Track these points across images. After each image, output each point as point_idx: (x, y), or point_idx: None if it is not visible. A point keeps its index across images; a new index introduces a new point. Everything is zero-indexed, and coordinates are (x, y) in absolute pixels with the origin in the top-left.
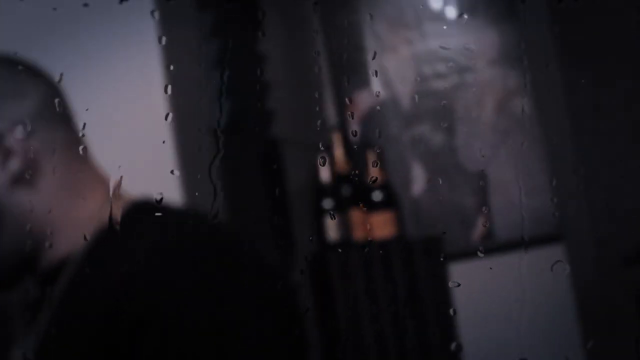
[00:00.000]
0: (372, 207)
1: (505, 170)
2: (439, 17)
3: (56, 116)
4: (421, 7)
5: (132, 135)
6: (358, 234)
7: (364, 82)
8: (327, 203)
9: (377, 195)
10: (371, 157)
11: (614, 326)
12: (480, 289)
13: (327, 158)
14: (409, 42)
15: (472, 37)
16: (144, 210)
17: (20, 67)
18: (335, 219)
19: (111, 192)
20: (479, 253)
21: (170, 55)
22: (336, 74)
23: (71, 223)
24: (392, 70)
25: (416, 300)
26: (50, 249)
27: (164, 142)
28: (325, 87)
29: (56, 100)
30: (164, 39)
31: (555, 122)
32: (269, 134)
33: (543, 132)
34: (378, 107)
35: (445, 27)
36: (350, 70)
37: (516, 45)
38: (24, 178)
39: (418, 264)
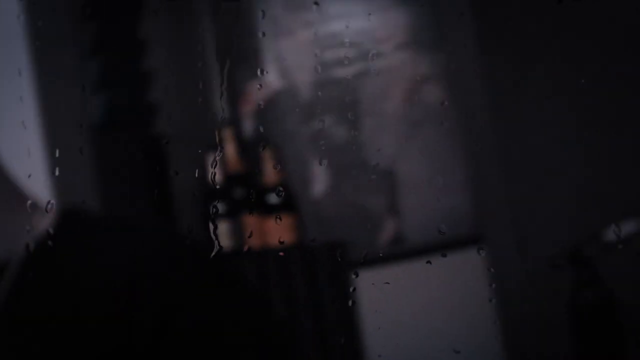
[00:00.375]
0: (267, 210)
1: (417, 167)
2: None
3: None
4: None
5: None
6: (252, 240)
7: (257, 71)
8: (217, 207)
9: (273, 198)
10: (266, 156)
11: (539, 336)
12: (389, 297)
13: (216, 157)
14: (307, 25)
15: (378, 18)
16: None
17: None
18: (225, 224)
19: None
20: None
21: (38, 40)
22: (225, 62)
23: None
24: (289, 57)
25: (317, 315)
26: None
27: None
28: (213, 77)
29: None
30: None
31: (472, 113)
32: (151, 130)
33: (459, 123)
34: (270, 99)
35: (348, 7)
36: (240, 57)
37: (428, 28)
38: None
39: (319, 273)
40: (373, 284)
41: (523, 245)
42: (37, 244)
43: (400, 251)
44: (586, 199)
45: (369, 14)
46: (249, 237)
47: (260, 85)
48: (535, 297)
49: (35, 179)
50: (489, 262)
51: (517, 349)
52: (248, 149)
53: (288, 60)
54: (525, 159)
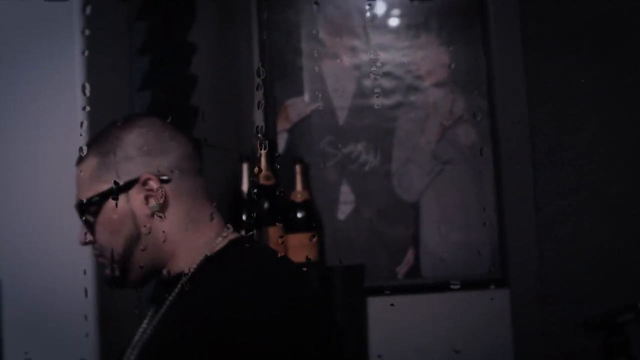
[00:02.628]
0: (291, 225)
1: (442, 203)
2: (388, 28)
3: (190, 168)
4: (369, 14)
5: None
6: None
7: (298, 90)
8: (244, 216)
9: (297, 214)
10: (296, 172)
11: None
12: (401, 326)
13: (248, 167)
14: (352, 51)
15: (422, 53)
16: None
17: (169, 127)
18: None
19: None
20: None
21: (89, 39)
22: (268, 77)
23: (187, 249)
24: (330, 80)
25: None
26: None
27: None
28: (254, 89)
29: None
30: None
31: (514, 158)
32: (190, 132)
33: (490, 166)
34: (306, 118)
35: (393, 39)
36: (283, 73)
37: (470, 70)
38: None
39: (335, 293)
40: (392, 304)
41: (544, 299)
42: None
43: (417, 283)
44: (614, 266)
45: (413, 49)
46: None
47: (299, 103)
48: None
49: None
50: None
51: None
52: (280, 163)
53: (328, 83)
54: (556, 219)
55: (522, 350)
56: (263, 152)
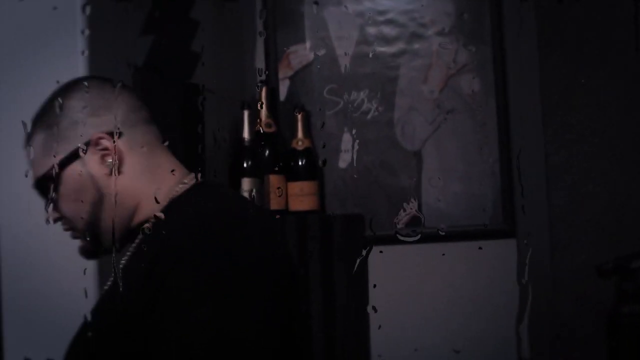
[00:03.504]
0: (292, 174)
1: (445, 152)
2: None
3: (139, 119)
4: None
5: None
6: (274, 201)
7: (300, 37)
8: (245, 163)
9: (299, 162)
10: (298, 120)
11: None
12: (405, 276)
13: (250, 114)
14: None
15: (426, 1)
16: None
17: (108, 85)
18: (250, 181)
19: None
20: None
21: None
22: (270, 24)
23: (149, 199)
24: (333, 27)
25: (330, 278)
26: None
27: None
28: (256, 36)
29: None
30: None
31: (524, 105)
32: (191, 78)
33: (493, 116)
34: (309, 65)
35: None
36: (286, 21)
37: (474, 19)
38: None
39: (335, 241)
40: (381, 251)
41: (556, 246)
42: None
43: (418, 231)
44: (627, 211)
45: None
46: (271, 196)
47: (301, 50)
48: (563, 302)
49: None
50: (518, 260)
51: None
52: (281, 111)
53: (331, 30)
54: (566, 164)
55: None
56: (264, 99)
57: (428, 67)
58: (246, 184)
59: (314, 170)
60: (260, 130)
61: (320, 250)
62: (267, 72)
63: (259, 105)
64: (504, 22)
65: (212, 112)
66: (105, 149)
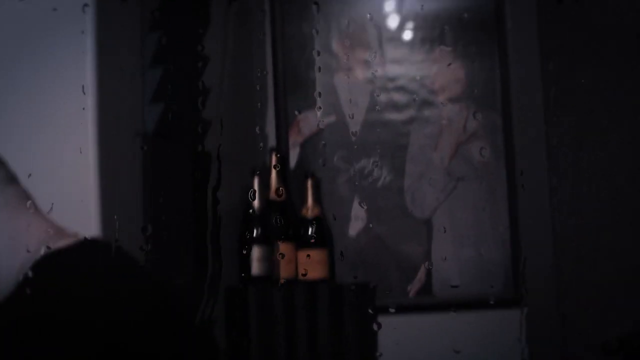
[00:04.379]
0: (302, 241)
1: (455, 220)
2: (403, 42)
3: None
4: (384, 28)
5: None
6: (284, 269)
7: (311, 103)
8: (255, 231)
9: (309, 230)
10: (308, 187)
11: None
12: (412, 346)
13: (259, 181)
14: (366, 64)
15: (437, 68)
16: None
17: None
18: (260, 249)
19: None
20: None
21: (102, 49)
22: (281, 90)
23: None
24: (343, 94)
25: (339, 348)
26: None
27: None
28: (268, 102)
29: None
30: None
31: (532, 175)
32: (202, 145)
33: (503, 182)
34: (319, 132)
35: (408, 54)
36: (297, 87)
37: (485, 85)
38: None
39: (345, 310)
40: (395, 328)
41: (562, 318)
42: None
43: (428, 302)
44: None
45: (429, 63)
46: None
47: (312, 117)
48: None
49: (87, 182)
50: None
51: None
52: (291, 178)
53: (342, 97)
54: (574, 236)
55: None
56: (274, 166)
57: (438, 134)
58: (256, 251)
59: (324, 238)
60: (270, 197)
61: (329, 319)
62: (277, 139)
63: (272, 170)
64: (511, 90)
65: (222, 179)
66: None
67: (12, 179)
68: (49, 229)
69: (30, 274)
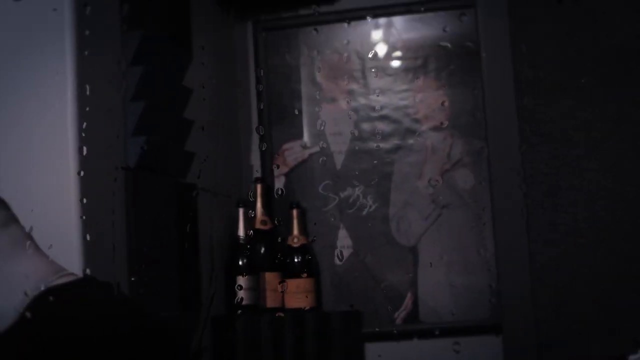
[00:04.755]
0: (289, 270)
1: (441, 247)
2: (386, 71)
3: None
4: (369, 57)
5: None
6: (270, 298)
7: (296, 133)
8: (241, 261)
9: (295, 259)
10: (294, 216)
11: None
12: None
13: (245, 211)
14: (350, 95)
15: (420, 97)
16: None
17: None
18: (246, 278)
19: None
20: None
21: (85, 80)
22: (266, 120)
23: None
24: (328, 124)
25: None
26: None
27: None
28: (252, 134)
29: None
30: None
31: (509, 205)
32: (186, 177)
33: (493, 212)
34: (304, 162)
35: (391, 84)
36: (281, 118)
37: (467, 113)
38: None
39: (333, 339)
40: (380, 355)
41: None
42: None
43: (415, 328)
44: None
45: (411, 92)
46: (268, 294)
47: (296, 147)
48: None
49: (67, 216)
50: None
51: None
52: (276, 207)
53: (326, 127)
54: (552, 265)
55: None
56: (259, 196)
57: (423, 162)
58: (242, 281)
59: (310, 267)
60: (255, 227)
61: (317, 348)
62: (262, 169)
63: (258, 200)
64: (488, 118)
65: (207, 210)
66: None
67: (12, 219)
68: (48, 267)
69: (28, 314)
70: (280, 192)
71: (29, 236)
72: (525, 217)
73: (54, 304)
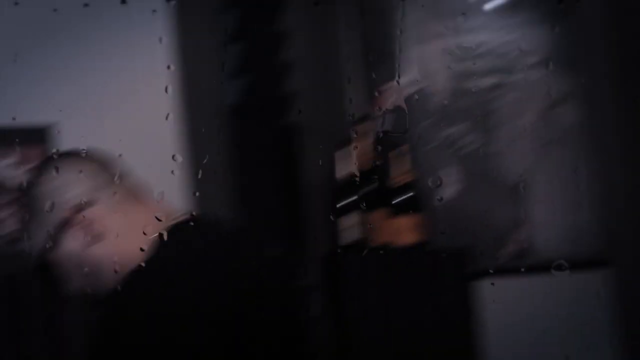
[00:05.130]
0: (395, 209)
1: (547, 183)
2: (481, 10)
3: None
4: None
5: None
6: (377, 236)
7: (395, 73)
8: (345, 199)
9: (400, 197)
10: (397, 156)
11: None
12: (508, 309)
13: (347, 150)
14: (446, 34)
15: (518, 33)
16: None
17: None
18: (352, 218)
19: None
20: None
21: (181, 26)
22: (365, 61)
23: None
24: (428, 63)
25: (436, 315)
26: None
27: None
28: (351, 75)
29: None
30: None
31: (608, 136)
32: (286, 119)
33: (593, 145)
34: (413, 99)
35: (492, 20)
36: (380, 58)
37: (570, 47)
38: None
39: (441, 276)
40: (492, 283)
41: None
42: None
43: (524, 264)
44: None
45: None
46: (372, 233)
47: (397, 86)
48: None
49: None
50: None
51: None
52: (379, 147)
53: (426, 65)
54: None
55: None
56: (361, 136)
57: (524, 99)
58: (347, 220)
59: (415, 205)
60: (359, 167)
61: (425, 285)
62: (362, 109)
63: (354, 143)
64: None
65: (310, 149)
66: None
67: (124, 174)
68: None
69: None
70: (381, 132)
71: (143, 186)
72: None
73: (188, 230)
